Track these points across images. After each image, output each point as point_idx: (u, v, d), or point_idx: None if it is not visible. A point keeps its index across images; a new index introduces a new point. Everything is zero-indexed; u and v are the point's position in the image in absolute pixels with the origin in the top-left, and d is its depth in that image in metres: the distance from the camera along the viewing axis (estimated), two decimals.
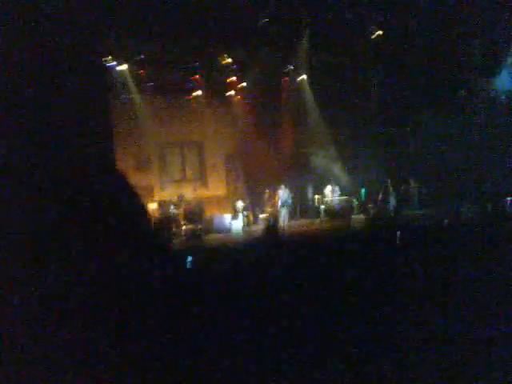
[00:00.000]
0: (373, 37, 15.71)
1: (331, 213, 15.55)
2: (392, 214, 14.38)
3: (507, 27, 15.88)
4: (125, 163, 15.97)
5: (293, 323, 4.02)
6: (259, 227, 14.32)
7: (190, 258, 5.47)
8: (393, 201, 15.00)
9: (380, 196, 15.24)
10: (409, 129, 16.06)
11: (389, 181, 15.20)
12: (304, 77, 17.83)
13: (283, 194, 15.24)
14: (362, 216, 15.30)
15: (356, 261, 5.26)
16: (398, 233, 6.49)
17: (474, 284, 4.39)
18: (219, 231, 14.66)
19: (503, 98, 17.86)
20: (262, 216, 16.33)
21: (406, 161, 16.01)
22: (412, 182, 16.53)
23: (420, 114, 16.05)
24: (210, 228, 14.72)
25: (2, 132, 10.08)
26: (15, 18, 10.20)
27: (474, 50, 16.70)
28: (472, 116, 16.63)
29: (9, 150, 9.75)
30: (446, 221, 9.63)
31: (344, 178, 17.47)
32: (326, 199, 15.84)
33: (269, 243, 10.71)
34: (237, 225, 15.36)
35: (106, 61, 13.79)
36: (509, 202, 12.20)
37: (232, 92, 17.82)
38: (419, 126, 15.94)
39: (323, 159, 18.24)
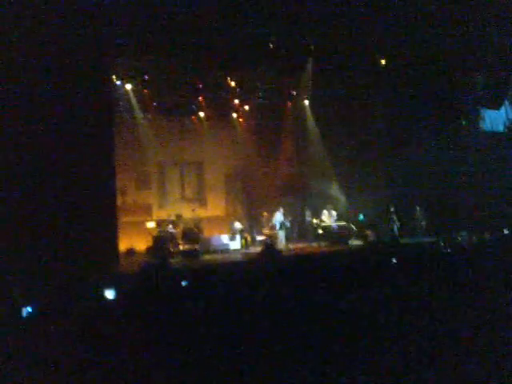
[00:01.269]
0: (377, 65, 15.92)
1: (329, 238, 15.52)
2: (392, 242, 14.26)
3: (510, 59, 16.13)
4: (125, 181, 16.06)
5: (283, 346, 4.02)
6: (257, 249, 14.31)
7: (184, 283, 5.50)
8: (395, 228, 14.95)
9: (383, 222, 15.21)
10: (411, 156, 16.08)
11: (392, 207, 15.15)
12: (306, 102, 18.04)
13: (281, 216, 15.28)
14: (359, 242, 15.30)
15: (349, 288, 5.28)
16: (394, 260, 6.50)
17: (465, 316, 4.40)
18: (216, 252, 14.65)
19: (505, 129, 18.04)
20: (259, 238, 16.33)
21: (410, 188, 15.92)
22: (418, 209, 16.35)
23: (423, 142, 16.10)
24: (207, 248, 14.70)
25: (7, 142, 10.18)
26: (21, 33, 10.37)
27: (477, 80, 16.93)
28: (474, 147, 16.72)
29: (13, 162, 9.82)
30: (444, 251, 9.57)
31: (343, 203, 17.51)
32: (323, 224, 15.82)
33: (266, 266, 10.68)
34: (234, 246, 15.35)
35: (111, 79, 13.96)
36: (506, 233, 12.20)
37: (234, 114, 18.00)
38: (421, 154, 15.99)
39: (322, 183, 18.32)
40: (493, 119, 18.18)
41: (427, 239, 14.43)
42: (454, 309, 4.50)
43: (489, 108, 17.82)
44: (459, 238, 11.70)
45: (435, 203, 15.76)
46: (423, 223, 16.17)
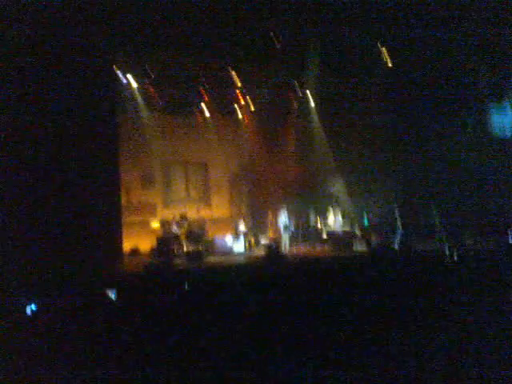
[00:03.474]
0: (381, 59, 15.78)
1: (333, 242, 15.41)
2: (397, 247, 14.03)
3: None
4: (129, 180, 16.07)
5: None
6: (261, 252, 14.26)
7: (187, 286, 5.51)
8: (399, 232, 14.73)
9: (386, 226, 14.96)
10: (418, 155, 15.80)
11: (396, 210, 14.95)
12: (311, 99, 17.88)
13: (285, 218, 15.20)
14: (364, 248, 15.14)
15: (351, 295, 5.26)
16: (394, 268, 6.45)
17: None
18: (220, 253, 14.62)
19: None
20: (263, 240, 16.28)
21: (417, 189, 15.63)
22: (434, 211, 15.82)
23: (430, 140, 15.87)
24: (211, 250, 14.67)
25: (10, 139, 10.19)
26: (29, 31, 10.38)
27: (482, 73, 16.64)
28: (479, 145, 16.41)
29: (14, 160, 9.84)
30: (448, 261, 9.38)
31: (348, 205, 17.35)
32: (328, 228, 15.72)
33: (270, 268, 10.67)
34: (238, 249, 15.30)
35: (115, 76, 13.95)
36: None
37: (238, 113, 17.96)
38: (429, 152, 15.75)
39: (328, 184, 18.20)
40: (503, 124, 17.88)
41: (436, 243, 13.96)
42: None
43: (495, 101, 17.46)
44: (465, 244, 11.54)
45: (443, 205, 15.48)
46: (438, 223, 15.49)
